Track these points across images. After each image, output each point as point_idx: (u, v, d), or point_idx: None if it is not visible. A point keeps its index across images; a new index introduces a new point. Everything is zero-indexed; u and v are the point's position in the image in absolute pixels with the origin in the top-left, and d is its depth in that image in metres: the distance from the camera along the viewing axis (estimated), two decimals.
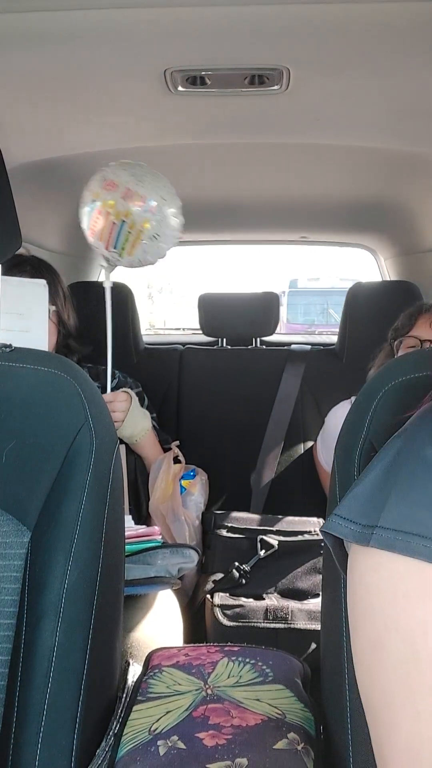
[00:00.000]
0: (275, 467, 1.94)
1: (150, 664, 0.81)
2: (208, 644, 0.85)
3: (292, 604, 1.45)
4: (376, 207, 2.02)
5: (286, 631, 1.42)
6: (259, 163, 1.65)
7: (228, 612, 1.44)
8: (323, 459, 1.75)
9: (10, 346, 0.77)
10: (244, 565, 1.52)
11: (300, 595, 1.49)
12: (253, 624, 1.43)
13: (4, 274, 1.06)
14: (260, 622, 1.43)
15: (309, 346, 2.18)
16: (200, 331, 2.25)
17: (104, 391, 1.53)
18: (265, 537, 1.56)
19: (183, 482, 1.64)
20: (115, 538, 0.75)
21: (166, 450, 1.66)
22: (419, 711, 0.41)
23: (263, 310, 2.15)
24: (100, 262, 1.46)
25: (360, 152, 1.51)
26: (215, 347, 2.30)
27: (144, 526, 1.25)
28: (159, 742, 0.65)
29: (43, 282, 1.20)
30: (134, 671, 0.80)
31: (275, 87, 1.10)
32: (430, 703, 0.41)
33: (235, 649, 0.82)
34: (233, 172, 1.74)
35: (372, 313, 1.96)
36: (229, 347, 2.30)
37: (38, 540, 0.70)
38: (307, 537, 1.56)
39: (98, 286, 1.55)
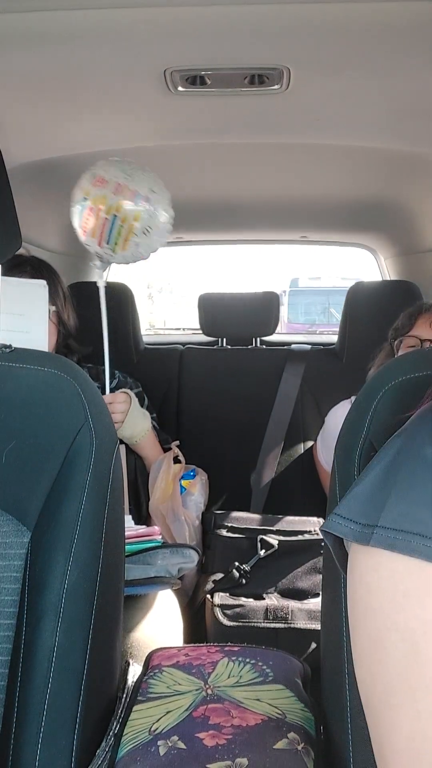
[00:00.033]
0: (275, 467, 1.94)
1: (150, 664, 0.81)
2: (208, 644, 0.85)
3: (292, 604, 1.45)
4: (376, 207, 2.02)
5: (286, 631, 1.42)
6: (259, 163, 1.65)
7: (228, 612, 1.44)
8: (323, 459, 1.75)
9: (10, 346, 0.77)
10: (244, 565, 1.52)
11: (300, 594, 1.49)
12: (253, 624, 1.43)
13: (4, 274, 1.06)
14: (260, 622, 1.43)
15: (309, 346, 2.18)
16: (200, 331, 2.25)
17: (103, 391, 1.53)
18: (265, 537, 1.56)
19: (183, 482, 1.64)
20: (115, 538, 0.75)
21: (166, 450, 1.66)
22: (420, 710, 0.41)
23: (263, 310, 2.15)
24: (92, 262, 1.47)
25: (360, 152, 1.51)
26: (215, 347, 2.30)
27: (144, 526, 1.25)
28: (159, 742, 0.65)
29: (43, 283, 1.20)
30: (134, 671, 0.80)
31: (275, 87, 1.10)
32: (431, 702, 0.41)
33: (236, 649, 0.82)
34: (233, 172, 1.74)
35: (372, 312, 1.96)
36: (229, 347, 2.30)
37: (38, 540, 0.70)
38: (307, 537, 1.56)
39: (98, 286, 1.55)
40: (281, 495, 1.91)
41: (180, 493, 1.60)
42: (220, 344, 2.34)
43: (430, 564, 0.42)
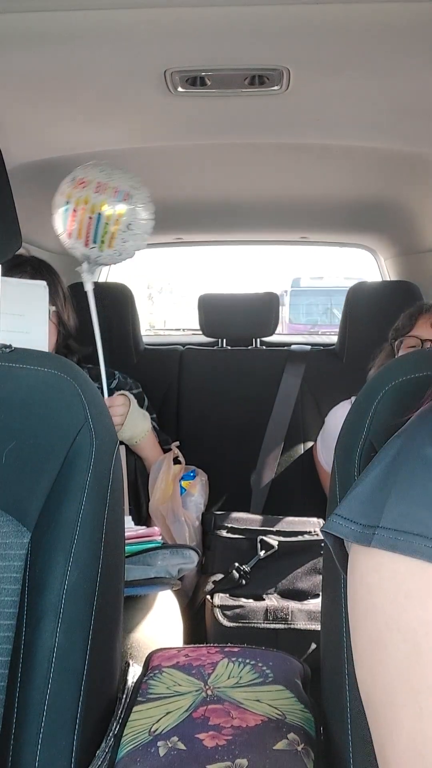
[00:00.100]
0: (275, 467, 1.94)
1: (150, 665, 0.81)
2: (208, 645, 0.85)
3: (292, 605, 1.45)
4: (376, 207, 2.02)
5: (286, 632, 1.42)
6: (259, 163, 1.65)
7: (228, 613, 1.44)
8: (323, 459, 1.75)
9: (10, 346, 0.77)
10: (244, 566, 1.52)
11: (300, 595, 1.48)
12: (253, 624, 1.43)
13: (4, 274, 1.06)
14: (260, 623, 1.43)
15: (309, 347, 2.18)
16: (200, 332, 2.25)
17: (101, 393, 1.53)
18: (265, 537, 1.56)
19: (183, 483, 1.64)
20: (115, 538, 0.75)
21: (166, 451, 1.66)
22: (421, 710, 0.41)
23: (263, 310, 2.15)
24: (78, 268, 1.47)
25: (360, 152, 1.51)
26: (215, 348, 2.30)
27: (144, 527, 1.25)
28: (159, 743, 0.65)
29: (43, 283, 1.20)
30: (134, 672, 0.80)
31: (275, 87, 1.10)
32: None
33: (235, 649, 0.82)
34: (233, 172, 1.74)
35: (372, 313, 1.96)
36: (229, 348, 2.30)
37: (38, 540, 0.70)
38: (307, 537, 1.56)
39: (98, 287, 1.55)
40: (281, 495, 1.91)
41: (180, 494, 1.60)
42: (220, 345, 2.34)
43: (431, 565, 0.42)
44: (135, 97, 1.17)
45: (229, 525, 1.61)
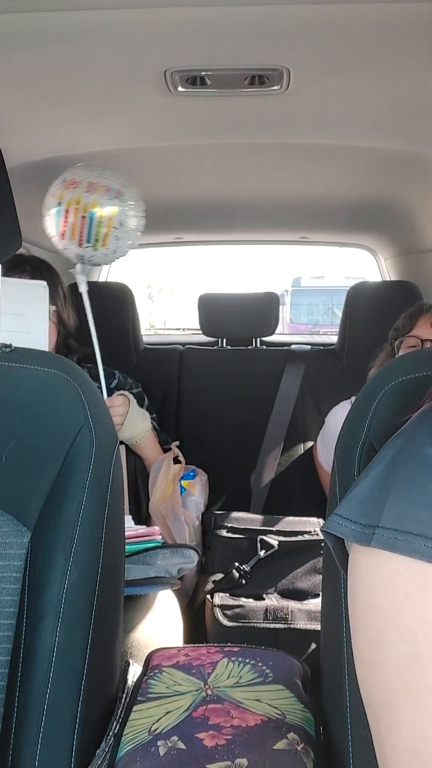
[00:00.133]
0: (275, 467, 1.94)
1: (150, 665, 0.81)
2: (208, 645, 0.85)
3: (292, 605, 1.45)
4: (376, 207, 2.02)
5: (286, 632, 1.42)
6: (259, 163, 1.65)
7: (228, 612, 1.44)
8: (323, 459, 1.75)
9: (10, 346, 0.77)
10: (244, 566, 1.52)
11: (300, 595, 1.48)
12: (253, 624, 1.43)
13: (5, 274, 1.06)
14: (260, 623, 1.43)
15: (309, 346, 2.19)
16: (200, 332, 2.25)
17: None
18: (265, 537, 1.56)
19: (183, 483, 1.64)
20: (115, 538, 0.75)
21: (166, 450, 1.66)
22: (421, 710, 0.41)
23: (263, 310, 2.15)
24: (72, 269, 1.48)
25: (360, 152, 1.51)
26: (215, 347, 2.30)
27: (144, 527, 1.25)
28: (159, 743, 0.65)
29: (43, 283, 1.20)
30: (134, 671, 0.80)
31: (275, 87, 1.09)
32: None
33: (235, 649, 0.82)
34: (233, 172, 1.74)
35: (372, 313, 1.97)
36: (229, 347, 2.30)
37: (38, 540, 0.70)
38: (307, 537, 1.56)
39: (98, 286, 1.55)
40: (281, 495, 1.91)
41: (180, 494, 1.60)
42: (220, 345, 2.34)
43: (431, 565, 0.42)
44: (135, 96, 1.17)
45: (229, 525, 1.61)
